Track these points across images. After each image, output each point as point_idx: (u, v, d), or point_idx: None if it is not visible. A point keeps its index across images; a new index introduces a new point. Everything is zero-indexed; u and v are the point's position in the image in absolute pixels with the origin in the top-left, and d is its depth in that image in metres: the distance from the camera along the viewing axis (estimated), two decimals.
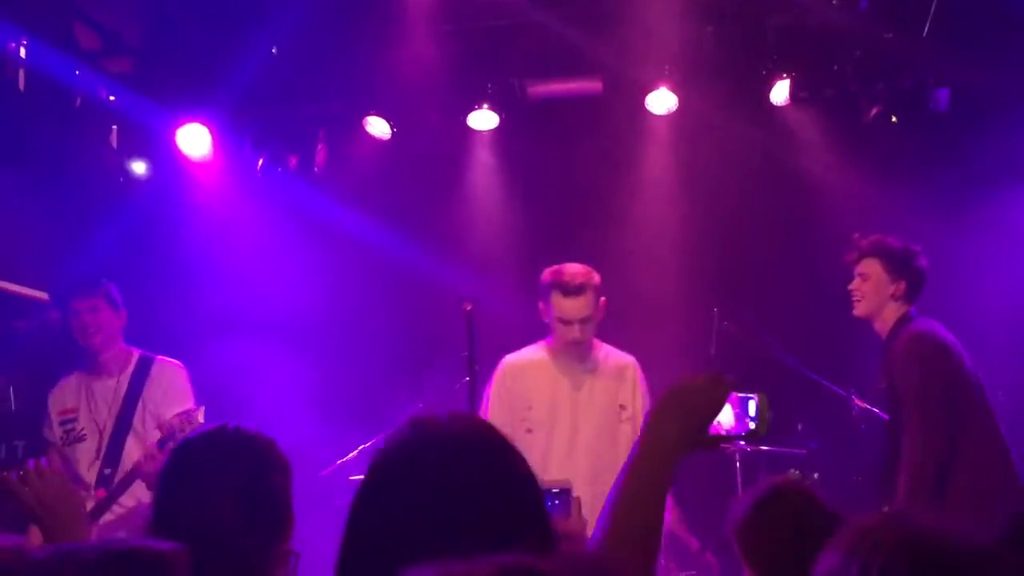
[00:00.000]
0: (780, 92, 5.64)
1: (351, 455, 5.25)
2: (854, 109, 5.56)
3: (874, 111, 5.49)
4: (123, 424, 4.51)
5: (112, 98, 5.80)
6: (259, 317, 6.04)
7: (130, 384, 4.58)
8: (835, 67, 5.43)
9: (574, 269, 4.11)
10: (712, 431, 1.86)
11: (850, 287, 4.34)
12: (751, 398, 1.86)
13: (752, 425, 1.87)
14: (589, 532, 1.95)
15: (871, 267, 4.25)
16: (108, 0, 5.61)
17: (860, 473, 4.92)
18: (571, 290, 4.06)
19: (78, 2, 5.55)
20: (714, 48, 5.67)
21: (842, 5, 5.24)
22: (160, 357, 4.69)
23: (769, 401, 1.88)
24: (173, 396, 4.54)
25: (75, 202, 5.93)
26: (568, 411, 4.12)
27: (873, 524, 1.43)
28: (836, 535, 1.44)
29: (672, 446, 1.82)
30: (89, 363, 4.65)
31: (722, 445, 1.91)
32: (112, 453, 4.47)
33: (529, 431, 4.05)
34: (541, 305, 4.18)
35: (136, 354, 4.68)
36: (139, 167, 6.25)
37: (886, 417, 4.48)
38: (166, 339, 5.26)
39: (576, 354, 4.18)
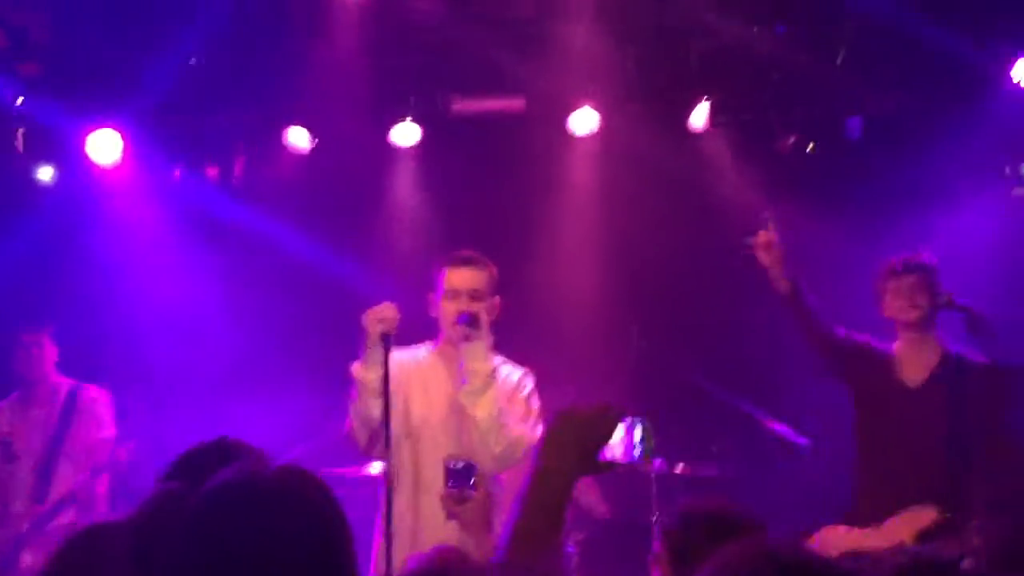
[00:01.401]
0: (700, 115, 5.72)
1: None
2: (771, 135, 5.67)
3: (791, 140, 5.61)
4: (56, 449, 4.92)
5: (20, 100, 5.61)
6: (170, 327, 5.91)
7: (61, 413, 4.97)
8: (753, 93, 5.52)
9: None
10: (601, 457, 1.91)
11: (918, 296, 4.06)
12: (636, 424, 1.91)
13: (637, 451, 1.93)
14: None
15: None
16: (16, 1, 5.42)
17: (775, 493, 4.96)
18: (460, 260, 3.79)
19: None
20: (637, 70, 5.72)
21: (761, 31, 5.33)
22: (87, 386, 5.06)
23: (653, 427, 1.93)
24: (97, 422, 4.98)
25: None
26: (447, 419, 3.70)
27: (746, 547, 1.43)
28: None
29: (567, 472, 1.87)
30: (24, 391, 5.07)
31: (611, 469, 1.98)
32: (46, 476, 4.89)
33: (407, 436, 3.69)
34: (430, 297, 3.83)
35: (66, 384, 5.06)
36: (46, 173, 6.06)
37: (801, 440, 4.55)
38: (75, 353, 5.20)
39: (481, 352, 3.67)
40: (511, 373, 3.81)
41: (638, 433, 1.93)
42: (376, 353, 3.48)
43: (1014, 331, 4.13)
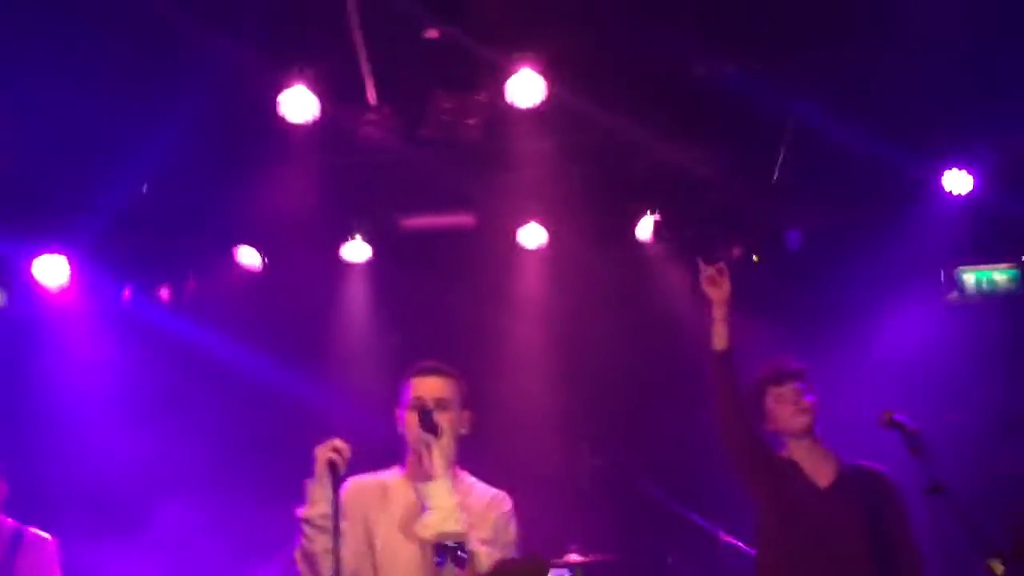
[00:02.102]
0: (644, 229, 5.87)
1: None
2: (712, 248, 5.80)
3: (736, 251, 5.75)
4: None
5: None
6: (118, 451, 5.83)
7: (2, 556, 4.51)
8: (694, 209, 5.69)
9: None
10: None
11: (804, 399, 4.02)
12: (567, 574, 1.93)
13: None
14: None
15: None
16: None
17: None
18: (425, 369, 3.54)
19: None
20: (582, 185, 5.87)
21: (703, 153, 5.52)
22: (30, 530, 4.60)
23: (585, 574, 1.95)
24: (41, 570, 4.52)
25: None
26: (416, 548, 3.36)
27: None
28: None
29: None
30: None
31: None
32: None
33: (371, 567, 3.40)
34: (396, 412, 3.57)
35: (8, 524, 4.60)
36: None
37: (751, 552, 4.52)
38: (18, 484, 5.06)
39: (438, 463, 3.34)
40: (483, 494, 3.51)
41: None
42: (321, 488, 3.26)
43: (951, 436, 4.20)
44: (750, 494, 4.07)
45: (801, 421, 3.99)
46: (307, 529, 3.29)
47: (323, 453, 3.28)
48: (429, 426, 3.37)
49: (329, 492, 3.23)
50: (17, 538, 4.55)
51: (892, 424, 3.69)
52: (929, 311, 5.86)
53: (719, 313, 4.03)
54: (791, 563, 3.91)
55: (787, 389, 4.01)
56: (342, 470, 3.26)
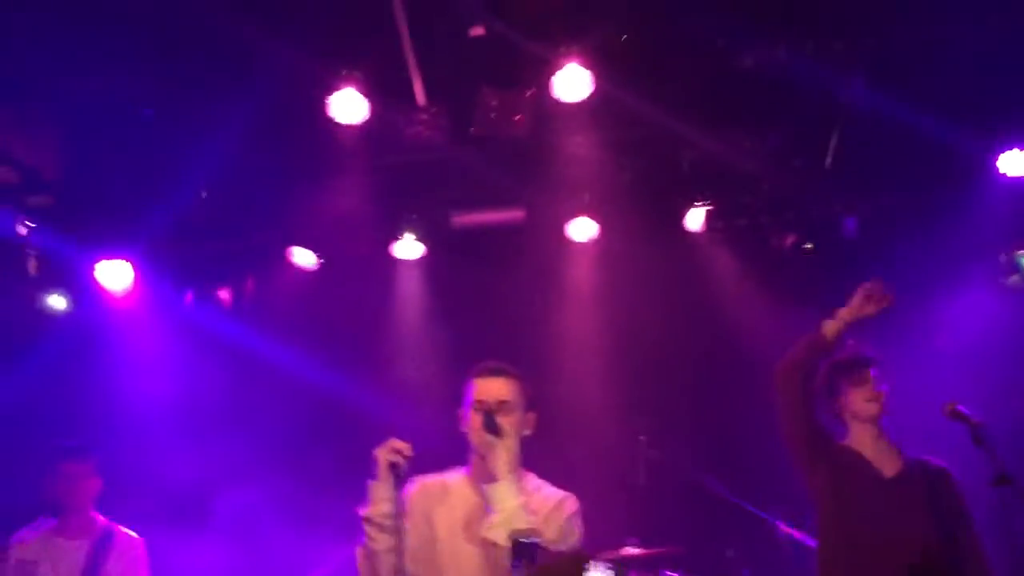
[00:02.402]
0: (695, 220, 5.84)
1: None
2: (765, 237, 5.77)
3: (790, 240, 5.69)
4: None
5: (26, 231, 5.75)
6: (187, 452, 5.94)
7: (94, 554, 4.72)
8: (746, 199, 5.64)
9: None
10: None
11: (878, 387, 4.04)
12: (609, 568, 1.95)
13: None
14: None
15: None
16: (28, 137, 5.59)
17: None
18: (488, 370, 3.52)
19: None
20: (631, 179, 5.86)
21: (752, 142, 5.47)
22: (121, 529, 4.81)
23: (625, 571, 1.98)
24: (131, 570, 4.74)
25: None
26: (475, 548, 3.35)
27: None
28: None
29: None
30: (56, 521, 4.79)
31: None
32: None
33: (430, 563, 3.40)
34: (460, 412, 3.56)
35: (100, 521, 4.82)
36: (59, 302, 6.18)
37: (812, 543, 4.49)
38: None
39: (502, 464, 3.32)
40: (550, 496, 3.48)
41: None
42: (382, 488, 3.29)
43: (1015, 425, 4.13)
44: (811, 484, 4.05)
45: (873, 408, 3.99)
46: (369, 528, 3.34)
47: (384, 455, 3.32)
48: (492, 428, 3.37)
49: (391, 492, 3.26)
50: (108, 536, 4.73)
51: (955, 415, 3.66)
52: (988, 296, 5.76)
53: (850, 316, 3.96)
54: (854, 552, 3.88)
55: (863, 374, 3.99)
56: (403, 470, 3.29)
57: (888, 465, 3.98)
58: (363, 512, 3.36)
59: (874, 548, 3.85)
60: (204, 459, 5.96)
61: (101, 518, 4.82)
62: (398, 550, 3.21)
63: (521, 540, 3.06)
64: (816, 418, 4.03)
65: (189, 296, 6.24)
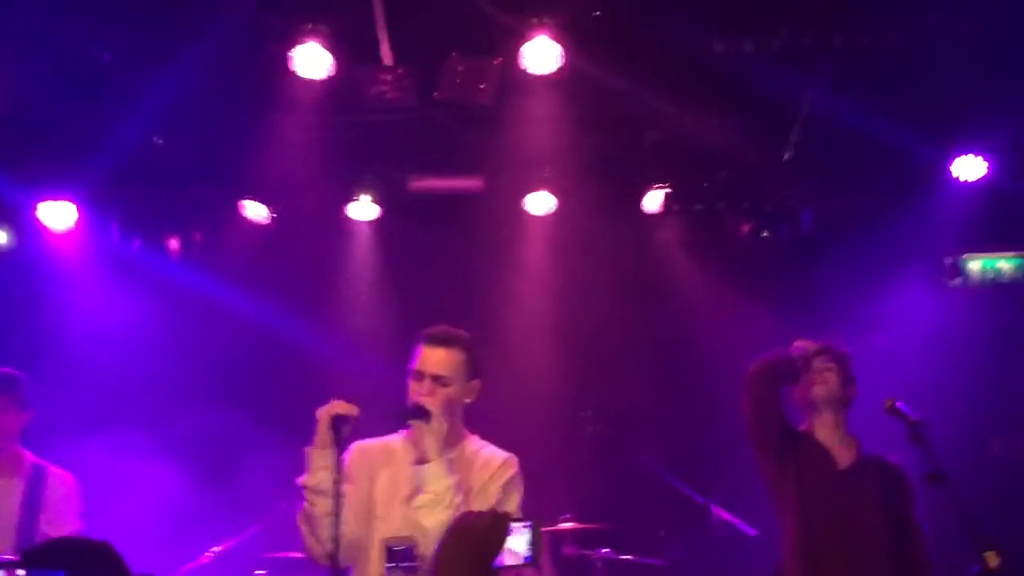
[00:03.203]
0: (654, 201, 5.87)
1: (205, 556, 5.07)
2: (721, 224, 5.81)
3: (746, 228, 5.75)
4: (24, 539, 4.28)
5: None
6: (121, 395, 5.87)
7: (27, 494, 4.37)
8: (704, 184, 5.67)
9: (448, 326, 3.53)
10: (496, 563, 1.98)
11: (825, 373, 4.04)
12: (526, 527, 1.97)
13: (528, 552, 2.00)
14: None
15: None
16: None
17: None
18: (433, 338, 3.45)
19: None
20: (593, 155, 5.85)
21: (715, 125, 5.50)
22: (52, 467, 4.48)
23: (540, 529, 2.01)
24: (68, 513, 4.42)
25: None
26: (408, 518, 3.35)
27: None
28: None
29: None
30: None
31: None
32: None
33: (369, 522, 3.38)
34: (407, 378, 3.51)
35: (29, 459, 4.46)
36: (0, 237, 6.04)
37: (750, 531, 4.56)
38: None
39: (430, 446, 3.30)
40: (493, 456, 3.48)
41: (527, 536, 2.00)
42: (321, 456, 3.26)
43: (951, 425, 4.22)
44: (772, 473, 4.07)
45: (819, 390, 4.02)
46: (308, 495, 3.31)
47: (326, 417, 3.28)
48: (417, 414, 3.35)
49: (330, 459, 3.23)
50: (40, 474, 4.42)
51: (893, 412, 3.72)
52: (932, 297, 5.88)
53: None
54: (808, 540, 3.94)
55: (816, 362, 4.04)
56: (346, 433, 3.26)
57: (844, 456, 4.05)
58: (301, 480, 3.34)
59: (827, 536, 3.92)
60: (150, 392, 5.88)
61: (29, 455, 4.50)
62: (337, 513, 3.19)
63: (393, 548, 3.14)
64: (784, 414, 4.08)
65: (136, 242, 6.11)
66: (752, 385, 4.03)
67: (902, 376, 4.92)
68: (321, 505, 3.27)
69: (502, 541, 1.95)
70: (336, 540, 3.14)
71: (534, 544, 1.98)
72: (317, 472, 3.29)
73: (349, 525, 3.28)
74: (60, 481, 4.45)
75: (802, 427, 4.13)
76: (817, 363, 4.05)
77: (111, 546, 2.22)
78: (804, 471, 4.01)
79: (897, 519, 3.93)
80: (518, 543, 1.97)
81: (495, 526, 1.96)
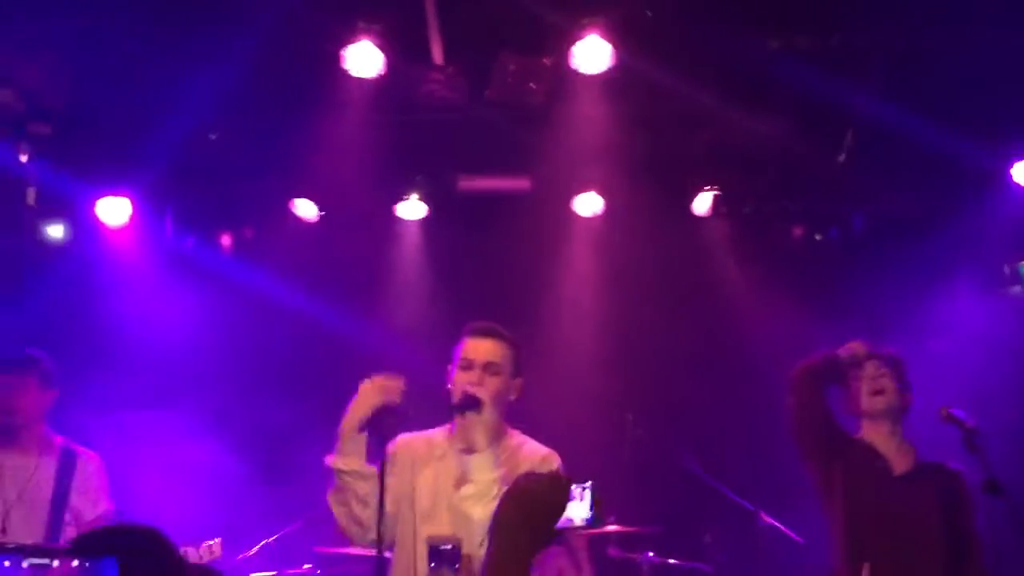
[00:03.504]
0: (703, 204, 5.82)
1: (255, 549, 5.11)
2: (769, 226, 5.75)
3: (797, 231, 5.68)
4: (56, 518, 4.34)
5: (26, 159, 5.69)
6: (174, 390, 5.94)
7: (59, 476, 4.41)
8: (754, 186, 5.61)
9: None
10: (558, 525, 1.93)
11: (881, 380, 3.96)
12: (585, 488, 1.94)
13: (589, 513, 1.95)
14: None
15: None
16: (34, 62, 5.52)
17: None
18: (479, 330, 3.48)
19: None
20: (643, 155, 5.81)
21: (767, 126, 5.43)
22: (80, 448, 4.53)
23: (601, 489, 1.96)
24: (99, 492, 4.46)
25: None
26: (449, 512, 3.34)
27: None
28: None
29: (524, 550, 1.88)
30: (1, 439, 4.39)
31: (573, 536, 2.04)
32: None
33: (412, 520, 3.37)
34: (448, 370, 3.52)
35: (58, 441, 4.50)
36: (57, 231, 6.15)
37: (796, 537, 4.48)
38: (81, 411, 5.14)
39: (480, 436, 3.33)
40: (534, 451, 3.48)
41: (587, 498, 1.95)
42: (353, 442, 3.26)
43: (1009, 434, 4.12)
44: (822, 479, 4.00)
45: (877, 402, 3.94)
46: (341, 477, 3.30)
47: (368, 400, 3.27)
48: (468, 404, 3.35)
49: (361, 444, 3.24)
50: (70, 454, 4.47)
51: (949, 419, 3.64)
52: (989, 304, 5.75)
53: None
54: (862, 545, 3.86)
55: (863, 369, 3.96)
56: (391, 423, 3.25)
57: (900, 462, 3.96)
58: (332, 462, 3.32)
59: (879, 542, 3.83)
60: (201, 385, 5.94)
61: (58, 438, 4.52)
62: (377, 497, 3.18)
63: (439, 547, 3.11)
64: (832, 416, 4.00)
65: (190, 240, 6.19)
66: (797, 387, 3.97)
67: (957, 383, 4.82)
68: (355, 487, 3.27)
69: (563, 502, 1.92)
70: (378, 526, 3.14)
71: (595, 506, 1.94)
72: (347, 457, 3.28)
73: (388, 516, 3.29)
74: (89, 460, 4.50)
75: (857, 435, 4.05)
76: (871, 369, 3.97)
77: (160, 532, 2.23)
78: (855, 476, 3.93)
79: (955, 527, 3.83)
80: (579, 504, 1.94)
81: (555, 488, 1.92)
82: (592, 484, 1.95)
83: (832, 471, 3.98)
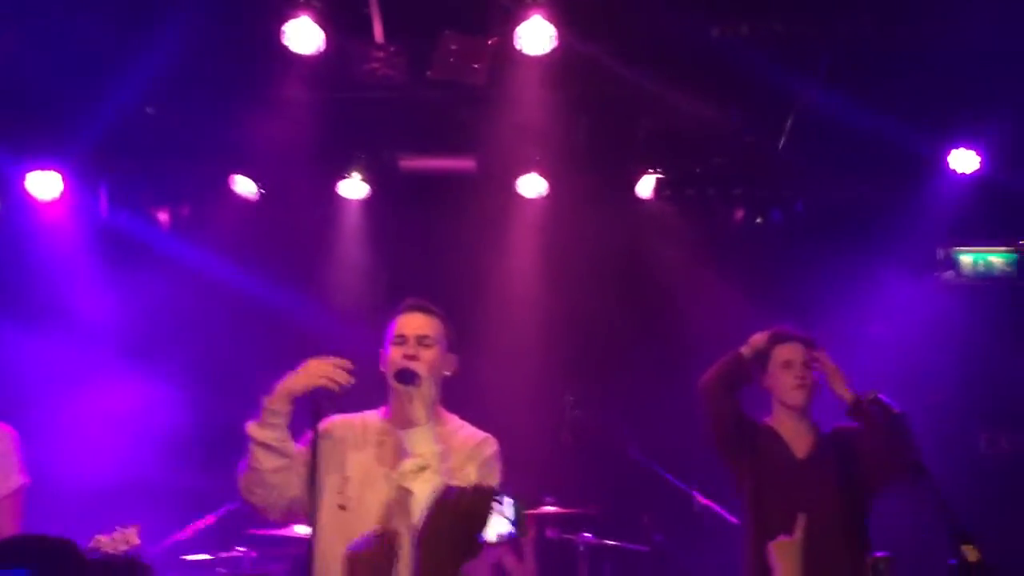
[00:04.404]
0: (646, 186, 5.84)
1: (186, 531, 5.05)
2: (713, 210, 5.79)
3: (739, 214, 5.72)
4: None
5: None
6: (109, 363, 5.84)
7: None
8: (697, 170, 5.64)
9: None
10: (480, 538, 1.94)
11: (800, 374, 3.98)
12: (509, 501, 1.94)
13: (512, 528, 1.95)
14: None
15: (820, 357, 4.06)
16: None
17: (704, 570, 4.96)
18: (411, 306, 3.46)
19: None
20: (586, 138, 5.82)
21: (710, 111, 5.46)
22: None
23: (524, 503, 1.96)
24: (9, 466, 4.14)
25: None
26: (386, 491, 3.26)
27: None
28: None
29: (451, 562, 1.89)
30: None
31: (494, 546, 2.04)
32: None
33: (342, 508, 3.30)
34: (381, 352, 3.47)
35: None
36: None
37: (731, 518, 4.54)
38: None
39: (418, 410, 3.26)
40: (469, 436, 3.43)
41: (511, 510, 1.95)
42: (276, 415, 3.20)
43: (934, 418, 4.20)
44: (733, 470, 4.09)
45: (798, 396, 3.99)
46: (253, 448, 3.21)
47: (309, 377, 3.24)
48: (406, 378, 3.30)
49: (282, 418, 3.19)
50: None
51: (877, 404, 3.70)
52: (925, 289, 5.86)
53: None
54: (770, 530, 3.92)
55: (793, 356, 3.99)
56: (327, 406, 3.22)
57: (802, 445, 4.03)
58: (250, 428, 3.23)
59: (785, 529, 3.89)
60: (133, 362, 5.85)
61: None
62: (285, 474, 3.15)
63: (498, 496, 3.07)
64: (742, 417, 4.05)
65: (124, 215, 6.07)
66: (708, 398, 4.02)
67: (892, 366, 4.91)
68: (265, 461, 3.22)
69: (486, 515, 1.92)
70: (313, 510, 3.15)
71: (518, 519, 1.95)
72: (267, 427, 3.21)
73: (298, 490, 3.24)
74: None
75: (765, 420, 4.10)
76: (795, 356, 3.99)
77: (73, 543, 2.20)
78: (762, 465, 3.99)
79: (856, 497, 3.90)
80: (502, 518, 1.94)
81: (479, 500, 1.93)
82: (515, 498, 1.96)
83: (742, 464, 4.05)
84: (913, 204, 5.85)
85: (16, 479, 4.12)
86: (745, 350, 4.02)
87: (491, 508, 1.92)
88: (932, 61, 5.09)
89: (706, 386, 4.02)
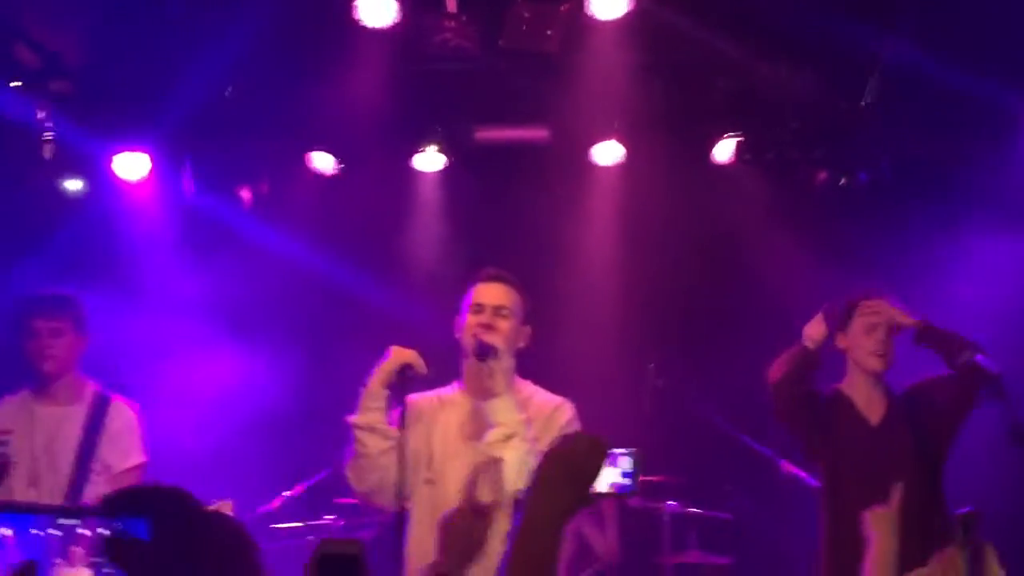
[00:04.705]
0: (724, 151, 5.73)
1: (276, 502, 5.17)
2: (794, 173, 5.66)
3: (821, 176, 5.60)
4: (82, 468, 4.14)
5: (42, 116, 5.68)
6: (189, 345, 5.97)
7: (88, 424, 4.19)
8: (776, 132, 5.52)
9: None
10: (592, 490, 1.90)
11: (882, 338, 3.91)
12: (626, 455, 1.91)
13: (627, 482, 1.93)
14: None
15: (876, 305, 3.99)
16: (52, 21, 5.49)
17: (787, 537, 4.91)
18: (488, 276, 3.52)
19: (20, 23, 5.42)
20: (662, 103, 5.73)
21: (789, 72, 5.33)
22: (116, 396, 4.31)
23: (643, 458, 1.92)
24: (127, 446, 4.24)
25: (7, 219, 5.82)
26: (471, 461, 3.21)
27: None
28: None
29: (560, 512, 1.85)
30: (36, 386, 4.24)
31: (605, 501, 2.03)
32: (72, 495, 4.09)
33: (430, 482, 3.38)
34: (456, 320, 3.55)
35: (91, 387, 4.29)
36: (75, 185, 6.16)
37: (813, 482, 4.49)
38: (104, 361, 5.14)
39: (498, 382, 3.33)
40: (546, 402, 3.50)
41: (627, 464, 1.92)
42: (376, 398, 3.34)
43: None
44: (800, 443, 4.08)
45: (877, 363, 3.93)
46: (358, 434, 3.34)
47: (395, 360, 3.31)
48: (484, 352, 3.35)
49: (381, 401, 3.29)
50: (102, 402, 4.24)
51: (973, 367, 3.61)
52: (1015, 247, 5.66)
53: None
54: (846, 498, 3.86)
55: (879, 324, 3.90)
56: (411, 382, 3.31)
57: (875, 410, 3.96)
58: (352, 419, 3.37)
59: (859, 499, 3.83)
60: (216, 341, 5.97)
61: (91, 382, 4.27)
62: (391, 454, 3.23)
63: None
64: (814, 407, 3.98)
65: (208, 194, 6.18)
66: (780, 397, 3.96)
67: (982, 326, 4.76)
68: (373, 444, 3.31)
69: (599, 466, 1.88)
70: (402, 486, 3.21)
71: (635, 472, 1.92)
72: (368, 412, 3.33)
73: (398, 471, 3.30)
74: (123, 410, 4.28)
75: (837, 385, 4.03)
76: (879, 322, 3.90)
77: (188, 493, 2.23)
78: (837, 437, 3.94)
79: (934, 454, 3.85)
80: (618, 470, 1.92)
81: (594, 451, 1.90)
82: (633, 451, 1.93)
83: (815, 439, 4.00)
84: (1002, 162, 5.65)
85: (136, 457, 4.23)
86: (809, 343, 3.95)
87: (604, 459, 1.89)
88: (1017, 13, 4.90)
89: (776, 384, 3.97)
